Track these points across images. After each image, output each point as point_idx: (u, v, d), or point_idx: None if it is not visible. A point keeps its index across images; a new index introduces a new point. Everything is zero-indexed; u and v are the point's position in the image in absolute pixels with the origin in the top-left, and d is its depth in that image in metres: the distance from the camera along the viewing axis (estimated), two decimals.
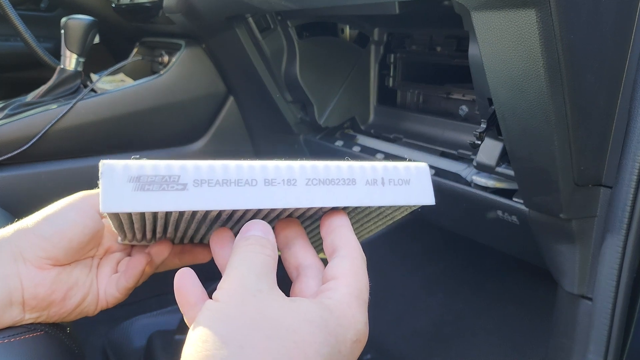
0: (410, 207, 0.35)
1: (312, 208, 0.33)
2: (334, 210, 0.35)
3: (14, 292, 0.38)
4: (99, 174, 0.28)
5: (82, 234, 0.40)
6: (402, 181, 0.34)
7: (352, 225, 0.35)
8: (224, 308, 0.27)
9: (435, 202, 0.34)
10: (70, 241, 0.39)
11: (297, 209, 0.33)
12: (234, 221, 0.35)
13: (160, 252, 0.42)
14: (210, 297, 0.29)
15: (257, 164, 0.31)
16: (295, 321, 0.27)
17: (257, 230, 0.32)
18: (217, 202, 0.29)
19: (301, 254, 0.35)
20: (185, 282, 0.33)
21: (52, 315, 0.41)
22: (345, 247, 0.33)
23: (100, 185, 0.28)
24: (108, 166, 0.28)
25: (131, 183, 0.28)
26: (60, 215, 0.39)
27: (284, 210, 0.33)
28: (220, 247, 0.35)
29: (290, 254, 0.35)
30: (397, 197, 0.33)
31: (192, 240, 0.43)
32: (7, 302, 0.38)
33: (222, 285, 0.29)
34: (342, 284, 0.31)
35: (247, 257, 0.30)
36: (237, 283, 0.28)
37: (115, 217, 0.34)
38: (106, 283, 0.43)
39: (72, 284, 0.41)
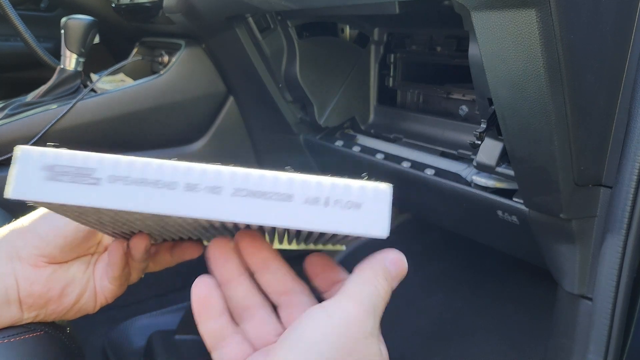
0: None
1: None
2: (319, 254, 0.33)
3: (10, 290, 0.39)
4: (13, 158, 0.27)
5: (77, 231, 0.39)
6: (351, 204, 0.27)
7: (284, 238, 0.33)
8: (344, 339, 0.27)
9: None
10: (65, 239, 0.39)
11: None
12: (210, 226, 0.33)
13: (137, 245, 0.39)
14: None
15: (182, 165, 0.27)
16: None
17: (399, 265, 0.32)
18: (128, 202, 0.27)
19: (279, 281, 0.33)
20: (211, 292, 0.32)
21: (50, 313, 0.41)
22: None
23: (12, 170, 0.27)
24: (24, 151, 0.27)
25: (44, 171, 0.27)
26: (57, 214, 0.38)
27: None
28: (221, 261, 0.33)
29: (265, 282, 0.33)
30: (340, 222, 0.27)
31: (180, 238, 0.42)
32: (4, 301, 0.39)
33: (341, 303, 0.29)
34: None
35: (379, 294, 0.30)
36: (361, 317, 0.28)
37: (49, 206, 0.31)
38: (101, 277, 0.43)
39: (68, 281, 0.41)
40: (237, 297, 0.33)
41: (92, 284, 0.43)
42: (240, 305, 0.33)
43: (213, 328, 0.32)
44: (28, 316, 0.41)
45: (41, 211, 0.40)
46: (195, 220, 0.30)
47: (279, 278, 0.33)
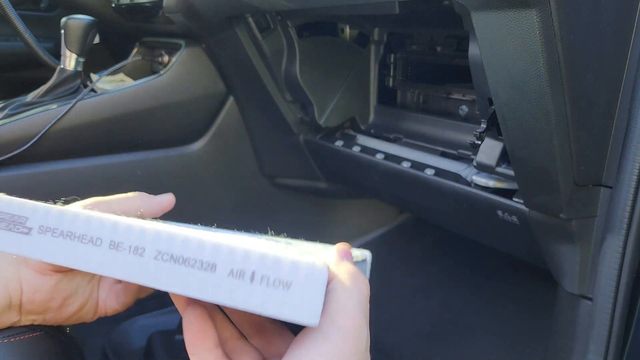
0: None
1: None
2: None
3: (13, 295, 0.38)
4: None
5: None
6: (279, 282, 0.24)
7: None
8: (343, 357, 0.25)
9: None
10: None
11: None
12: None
13: None
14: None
15: (109, 220, 0.26)
16: None
17: (344, 248, 0.30)
18: (56, 255, 0.27)
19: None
20: (204, 324, 0.31)
21: (48, 320, 0.41)
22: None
23: None
24: None
25: None
26: None
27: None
28: (196, 341, 0.31)
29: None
30: (265, 303, 0.24)
31: None
32: (6, 305, 0.39)
33: (334, 320, 0.25)
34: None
35: (362, 302, 0.27)
36: (356, 332, 0.26)
37: None
38: (107, 293, 0.43)
39: (71, 291, 0.41)
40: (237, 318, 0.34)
41: (95, 296, 0.42)
42: (248, 325, 0.34)
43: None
44: (25, 320, 0.40)
45: None
46: None
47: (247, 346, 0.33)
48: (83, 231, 0.26)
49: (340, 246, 0.31)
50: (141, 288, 0.43)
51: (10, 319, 0.40)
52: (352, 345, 0.25)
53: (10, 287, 0.38)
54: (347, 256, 0.30)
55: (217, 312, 0.34)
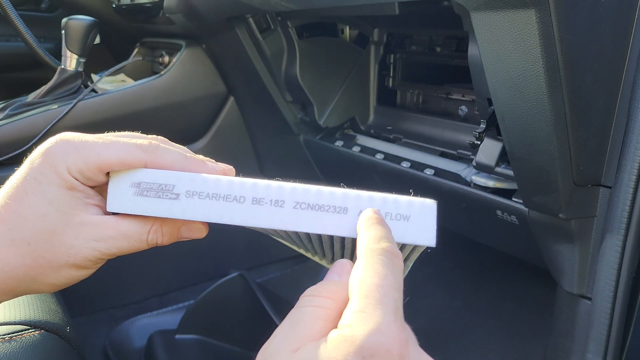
0: (408, 245, 0.32)
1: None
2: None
3: None
4: (109, 178, 0.31)
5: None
6: (400, 216, 0.30)
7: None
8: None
9: (436, 242, 0.31)
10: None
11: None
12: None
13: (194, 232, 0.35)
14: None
15: (249, 181, 0.31)
16: None
17: (394, 246, 0.27)
18: (204, 214, 0.31)
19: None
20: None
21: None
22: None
23: (108, 188, 0.31)
24: (116, 172, 0.31)
25: (132, 188, 0.31)
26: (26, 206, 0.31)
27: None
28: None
29: None
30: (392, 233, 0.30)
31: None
32: None
33: (361, 322, 0.23)
34: None
35: (392, 294, 0.25)
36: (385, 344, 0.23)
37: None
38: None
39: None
40: None
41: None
42: None
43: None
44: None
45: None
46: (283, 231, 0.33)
47: None
48: (227, 192, 0.31)
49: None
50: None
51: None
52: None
53: None
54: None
55: None
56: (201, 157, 0.35)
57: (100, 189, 0.33)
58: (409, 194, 0.32)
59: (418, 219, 0.31)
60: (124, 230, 0.32)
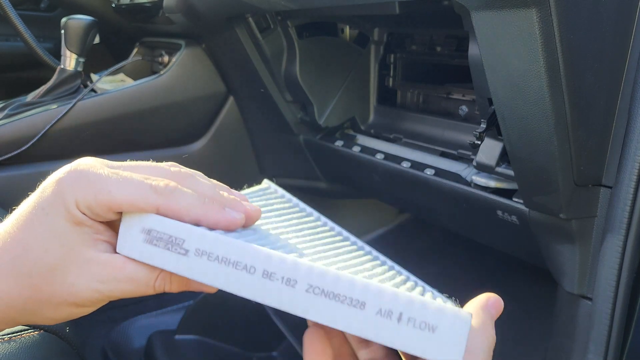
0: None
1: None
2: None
3: None
4: (121, 219, 0.30)
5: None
6: (425, 325, 0.26)
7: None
8: None
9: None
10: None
11: None
12: None
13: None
14: None
15: (262, 251, 0.28)
16: None
17: (499, 306, 0.30)
18: (212, 278, 0.29)
19: None
20: (319, 347, 0.31)
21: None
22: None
23: (119, 228, 0.30)
24: (129, 213, 0.30)
25: (143, 234, 0.29)
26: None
27: None
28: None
29: None
30: (411, 342, 0.26)
31: None
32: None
33: None
34: None
35: (489, 344, 0.28)
36: None
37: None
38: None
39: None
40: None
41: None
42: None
43: None
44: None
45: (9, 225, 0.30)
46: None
47: None
48: (237, 258, 0.28)
49: (490, 298, 0.30)
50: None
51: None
52: None
53: None
54: (489, 309, 0.30)
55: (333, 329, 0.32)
56: (230, 197, 0.32)
57: (112, 224, 0.31)
58: (443, 296, 0.29)
59: (446, 333, 0.26)
60: (131, 274, 0.30)
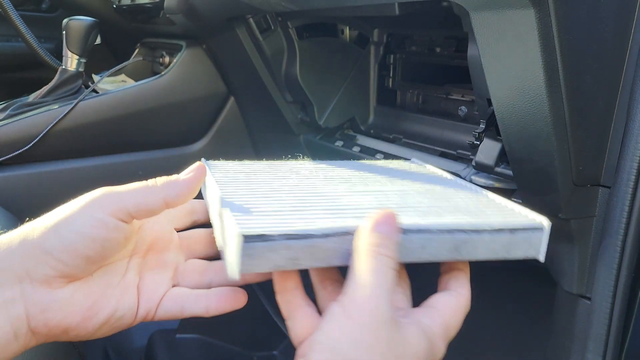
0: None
1: None
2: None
3: (17, 322, 0.31)
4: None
5: (98, 246, 0.32)
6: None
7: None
8: (361, 331, 0.28)
9: None
10: (83, 257, 0.32)
11: None
12: None
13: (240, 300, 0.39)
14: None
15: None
16: (414, 354, 0.30)
17: (392, 232, 0.31)
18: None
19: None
20: (288, 285, 0.34)
21: (73, 337, 0.34)
22: (458, 290, 0.36)
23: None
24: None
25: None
26: (70, 225, 0.31)
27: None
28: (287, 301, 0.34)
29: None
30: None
31: None
32: (10, 336, 0.31)
33: (353, 295, 0.29)
34: (440, 317, 0.33)
35: (382, 273, 0.30)
36: (372, 304, 0.29)
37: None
38: (159, 293, 0.36)
39: (95, 299, 0.33)
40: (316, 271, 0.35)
41: (131, 298, 0.35)
42: (320, 275, 0.35)
43: (289, 300, 0.33)
44: (38, 343, 0.33)
45: (53, 218, 0.32)
46: None
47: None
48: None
49: (379, 216, 0.31)
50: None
51: (21, 348, 0.32)
52: (369, 319, 0.28)
53: (12, 312, 0.31)
54: (382, 226, 0.31)
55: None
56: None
57: None
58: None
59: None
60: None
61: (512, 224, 0.35)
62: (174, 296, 0.37)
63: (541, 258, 0.36)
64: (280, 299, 0.34)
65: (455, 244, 0.34)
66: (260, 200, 0.36)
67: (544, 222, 0.36)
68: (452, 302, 0.35)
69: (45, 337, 0.33)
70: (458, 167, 0.64)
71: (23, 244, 0.31)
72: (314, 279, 0.35)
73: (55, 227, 0.31)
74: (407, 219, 0.33)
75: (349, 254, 0.31)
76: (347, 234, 0.31)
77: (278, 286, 0.34)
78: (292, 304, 0.33)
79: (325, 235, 0.31)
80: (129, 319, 0.35)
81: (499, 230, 0.35)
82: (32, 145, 0.83)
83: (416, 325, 0.31)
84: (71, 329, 0.33)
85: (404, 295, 0.36)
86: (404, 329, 0.30)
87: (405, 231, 0.32)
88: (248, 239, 0.29)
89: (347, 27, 0.87)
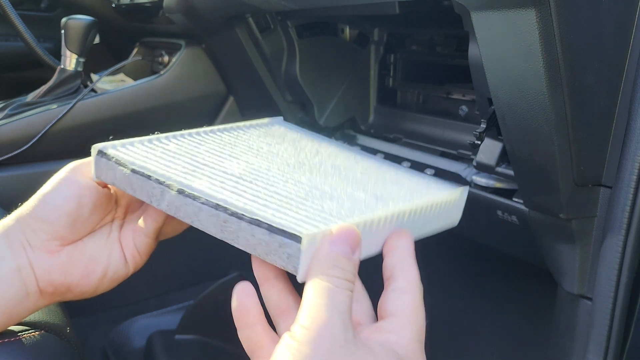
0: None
1: None
2: (400, 230, 0.35)
3: (28, 282, 0.38)
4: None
5: (80, 206, 0.39)
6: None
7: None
8: (312, 358, 0.26)
9: None
10: (70, 216, 0.38)
11: None
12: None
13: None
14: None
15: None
16: None
17: (350, 252, 0.30)
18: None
19: (284, 295, 0.34)
20: (246, 300, 0.32)
21: (78, 295, 0.40)
22: (405, 277, 0.32)
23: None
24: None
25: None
26: (54, 193, 0.39)
27: None
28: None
29: (273, 293, 0.34)
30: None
31: None
32: (23, 294, 0.38)
33: (304, 323, 0.28)
34: (405, 325, 0.30)
35: (333, 297, 0.28)
36: (324, 331, 0.27)
37: None
38: (133, 236, 0.41)
39: (88, 259, 0.40)
40: (273, 298, 0.34)
41: (117, 252, 0.41)
42: (276, 306, 0.34)
43: (250, 336, 0.33)
44: (53, 302, 0.40)
45: (39, 193, 0.39)
46: None
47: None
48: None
49: (338, 231, 0.30)
50: (162, 230, 0.42)
51: (34, 306, 0.39)
52: (326, 346, 0.27)
53: (24, 274, 0.37)
54: (339, 246, 0.30)
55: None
56: None
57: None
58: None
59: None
60: None
61: (274, 222, 0.30)
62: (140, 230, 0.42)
63: (299, 278, 0.29)
64: (241, 335, 0.33)
65: (220, 223, 0.31)
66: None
67: (304, 232, 0.29)
68: (408, 299, 0.31)
69: (52, 295, 0.39)
70: (459, 167, 0.64)
71: (19, 219, 0.38)
72: (271, 311, 0.34)
73: (43, 199, 0.39)
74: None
75: (216, 225, 0.31)
76: (197, 198, 0.32)
77: (238, 322, 0.33)
78: (252, 340, 0.32)
79: (160, 183, 0.34)
80: (123, 271, 0.41)
81: (258, 224, 0.30)
82: (31, 145, 0.83)
83: (382, 347, 0.29)
84: (73, 286, 0.39)
85: (362, 311, 0.34)
86: (369, 348, 0.28)
87: (180, 191, 0.33)
88: (100, 153, 0.38)
89: (347, 27, 0.87)
